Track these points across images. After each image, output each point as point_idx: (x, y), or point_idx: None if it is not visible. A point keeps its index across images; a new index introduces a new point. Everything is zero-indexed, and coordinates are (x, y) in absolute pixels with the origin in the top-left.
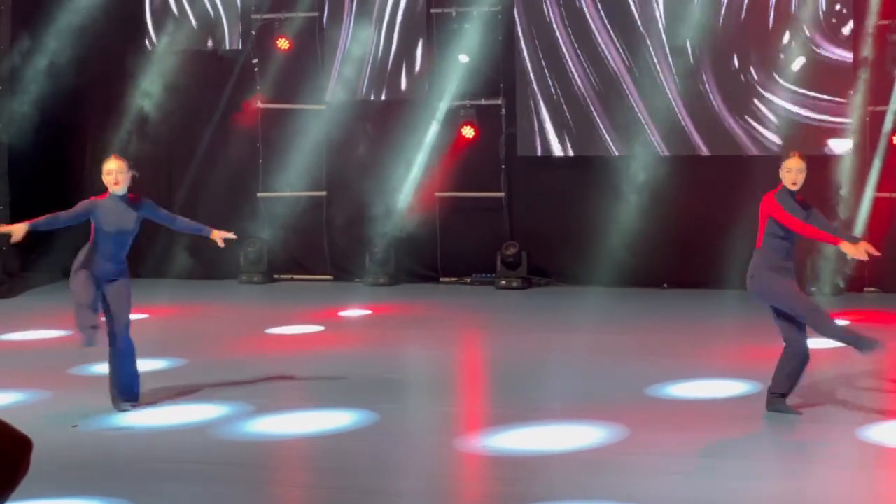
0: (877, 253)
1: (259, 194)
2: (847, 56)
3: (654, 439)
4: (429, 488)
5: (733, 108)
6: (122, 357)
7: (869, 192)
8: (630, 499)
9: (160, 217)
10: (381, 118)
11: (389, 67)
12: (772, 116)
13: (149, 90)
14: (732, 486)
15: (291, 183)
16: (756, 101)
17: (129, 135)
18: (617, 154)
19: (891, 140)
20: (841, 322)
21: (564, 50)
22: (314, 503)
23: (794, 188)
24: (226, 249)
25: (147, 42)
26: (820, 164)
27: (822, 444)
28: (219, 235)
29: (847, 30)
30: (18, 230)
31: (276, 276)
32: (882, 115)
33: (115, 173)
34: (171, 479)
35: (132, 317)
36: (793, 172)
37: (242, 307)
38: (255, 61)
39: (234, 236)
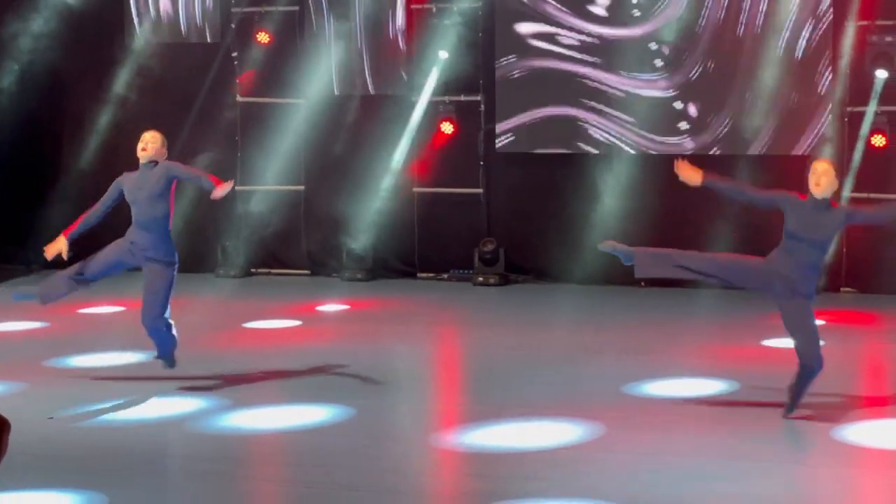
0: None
1: (237, 188)
2: (826, 56)
3: (630, 438)
4: (405, 485)
5: (712, 106)
6: (155, 338)
7: (846, 193)
8: (606, 497)
9: (183, 174)
10: (360, 113)
11: (368, 62)
12: (751, 116)
13: (128, 83)
14: (708, 486)
15: (269, 177)
16: (735, 100)
17: (108, 127)
18: (596, 151)
19: (869, 141)
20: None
21: (543, 45)
22: (290, 499)
23: (815, 190)
24: (203, 242)
25: (127, 35)
26: (798, 165)
27: (798, 443)
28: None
29: (826, 30)
30: (61, 246)
31: (253, 271)
32: (861, 115)
33: (145, 140)
34: (147, 473)
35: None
36: (816, 174)
37: (219, 301)
38: (234, 55)
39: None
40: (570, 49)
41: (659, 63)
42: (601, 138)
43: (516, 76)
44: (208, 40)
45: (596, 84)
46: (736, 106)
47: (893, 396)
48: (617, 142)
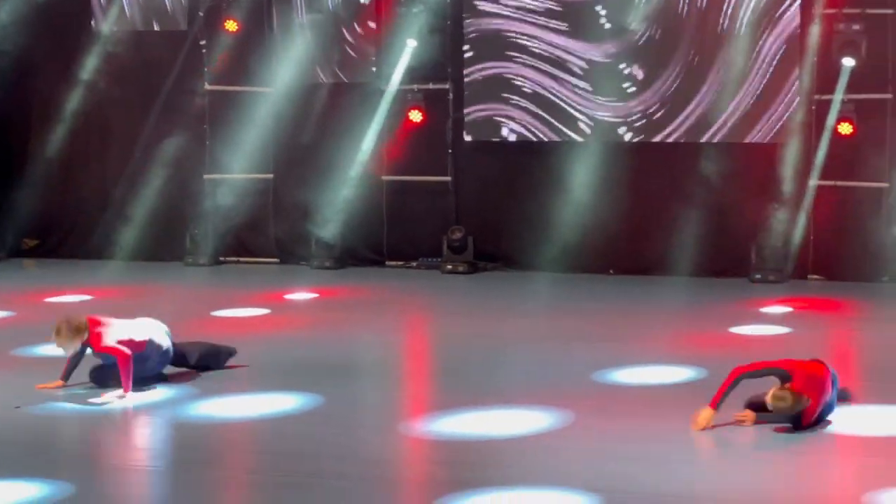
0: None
1: (206, 176)
2: (793, 45)
3: (599, 425)
4: (374, 473)
5: (682, 95)
6: None
7: (813, 181)
8: (575, 484)
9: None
10: (328, 101)
11: (337, 51)
12: (720, 104)
13: (96, 70)
14: (675, 473)
15: (238, 165)
16: (704, 90)
17: (75, 114)
18: (565, 140)
19: (836, 129)
20: None
21: (513, 36)
22: (259, 487)
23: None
24: (172, 231)
25: (94, 22)
26: (767, 152)
27: (766, 430)
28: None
29: (793, 19)
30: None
31: (221, 259)
32: (828, 103)
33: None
34: (114, 463)
35: None
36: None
37: (188, 289)
38: (202, 43)
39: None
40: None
41: (631, 53)
42: (571, 127)
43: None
44: (179, 28)
45: (567, 72)
46: (703, 95)
47: (859, 383)
48: (586, 131)
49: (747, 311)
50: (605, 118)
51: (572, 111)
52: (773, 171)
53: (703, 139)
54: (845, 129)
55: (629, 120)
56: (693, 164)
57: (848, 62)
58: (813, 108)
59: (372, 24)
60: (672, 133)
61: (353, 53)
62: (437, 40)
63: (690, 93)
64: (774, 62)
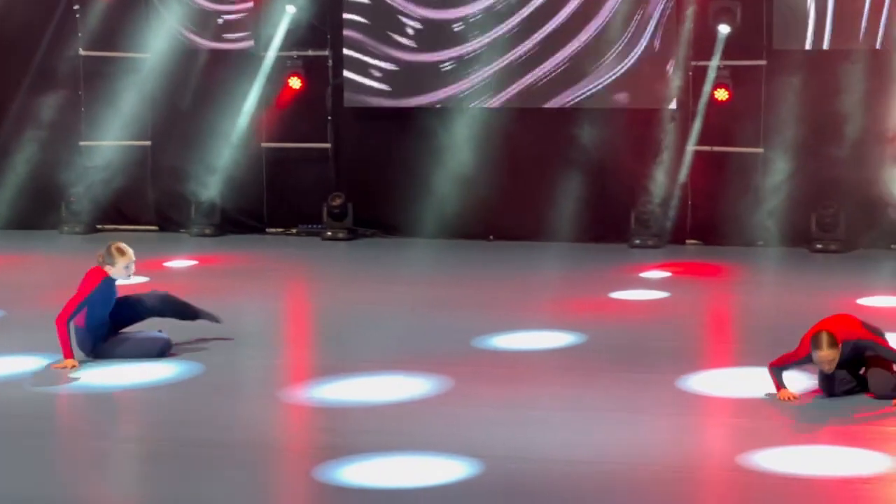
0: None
1: (81, 143)
2: (671, 12)
3: (478, 391)
4: (254, 440)
5: (561, 62)
6: None
7: (691, 146)
8: (455, 449)
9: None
10: (207, 68)
11: (216, 17)
12: (599, 70)
13: None
14: (556, 437)
15: (115, 132)
16: (577, 56)
17: None
18: (443, 106)
19: (712, 95)
20: None
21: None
22: (138, 456)
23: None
24: (47, 199)
25: None
26: (645, 118)
27: (643, 393)
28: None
29: None
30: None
31: (99, 227)
32: (704, 69)
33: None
34: None
35: None
36: (821, 363)
37: (64, 258)
38: (76, 7)
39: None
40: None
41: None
42: (450, 93)
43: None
44: None
45: (447, 38)
46: (580, 61)
47: (735, 346)
48: (464, 96)
49: (626, 276)
50: (487, 84)
51: (451, 77)
52: (652, 137)
53: (582, 105)
54: (721, 95)
55: (509, 86)
56: (572, 130)
57: (724, 29)
58: (690, 74)
59: None
60: (551, 99)
61: (231, 19)
62: (315, 7)
63: (568, 59)
64: (652, 28)
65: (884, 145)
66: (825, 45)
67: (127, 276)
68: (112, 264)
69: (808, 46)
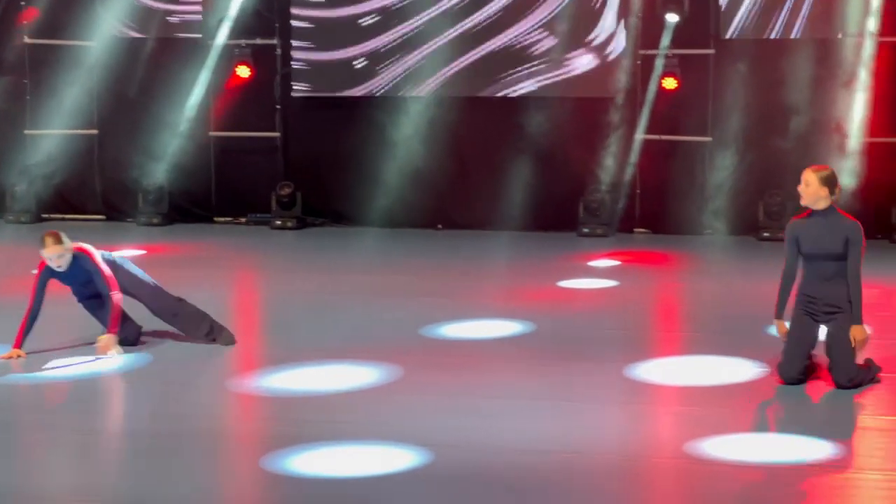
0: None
1: (26, 131)
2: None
3: (427, 379)
4: (203, 429)
5: (508, 50)
6: None
7: (639, 135)
8: (402, 438)
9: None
10: (154, 56)
11: (162, 5)
12: (546, 58)
13: None
14: (504, 425)
15: (60, 120)
16: (528, 45)
17: None
18: (393, 95)
19: (660, 83)
20: None
21: None
22: (85, 446)
23: (803, 201)
24: None
25: None
26: (593, 107)
27: (591, 382)
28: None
29: None
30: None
31: (44, 216)
32: (653, 58)
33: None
34: None
35: None
36: (801, 185)
37: (8, 247)
38: None
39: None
40: None
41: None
42: (399, 82)
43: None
44: None
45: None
46: (527, 48)
47: (684, 334)
48: (413, 85)
49: (575, 264)
50: (434, 72)
51: (401, 65)
52: (600, 126)
53: (530, 94)
54: (670, 83)
55: (456, 74)
56: (520, 119)
57: (672, 18)
58: (638, 62)
59: None
60: (499, 88)
61: (179, 7)
62: None
63: (515, 47)
64: (601, 16)
65: (830, 134)
66: (773, 34)
67: (57, 267)
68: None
69: (755, 35)
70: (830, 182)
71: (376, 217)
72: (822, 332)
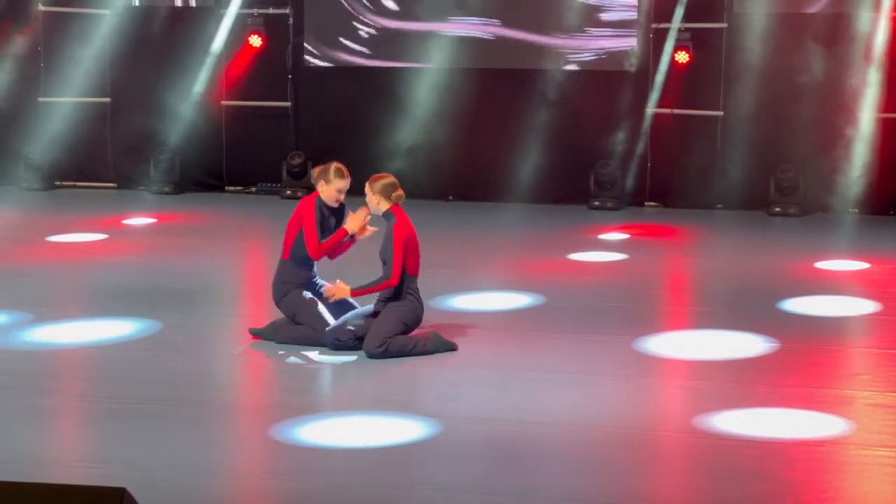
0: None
1: (40, 99)
2: None
3: None
4: (213, 398)
5: (520, 22)
6: None
7: (651, 109)
8: (413, 409)
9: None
10: (167, 25)
11: None
12: (558, 32)
13: None
14: (513, 398)
15: (74, 88)
16: (539, 15)
17: None
18: (404, 65)
19: (673, 57)
20: None
21: None
22: (95, 413)
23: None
24: (5, 155)
25: None
26: (606, 80)
27: (600, 355)
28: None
29: None
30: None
31: (57, 184)
32: (665, 32)
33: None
34: None
35: None
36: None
37: (22, 214)
38: None
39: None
40: None
41: None
42: (410, 52)
43: None
44: None
45: None
46: (542, 21)
47: (693, 308)
48: (425, 56)
49: (585, 237)
50: (445, 44)
51: (413, 36)
52: (612, 99)
53: (544, 66)
54: (682, 57)
55: (470, 45)
56: (533, 91)
57: None
58: (651, 36)
59: None
60: (513, 59)
61: None
62: None
63: (529, 19)
64: None
65: (843, 109)
66: (786, 9)
67: (335, 203)
68: (327, 182)
69: (768, 9)
70: None
71: None
72: None
